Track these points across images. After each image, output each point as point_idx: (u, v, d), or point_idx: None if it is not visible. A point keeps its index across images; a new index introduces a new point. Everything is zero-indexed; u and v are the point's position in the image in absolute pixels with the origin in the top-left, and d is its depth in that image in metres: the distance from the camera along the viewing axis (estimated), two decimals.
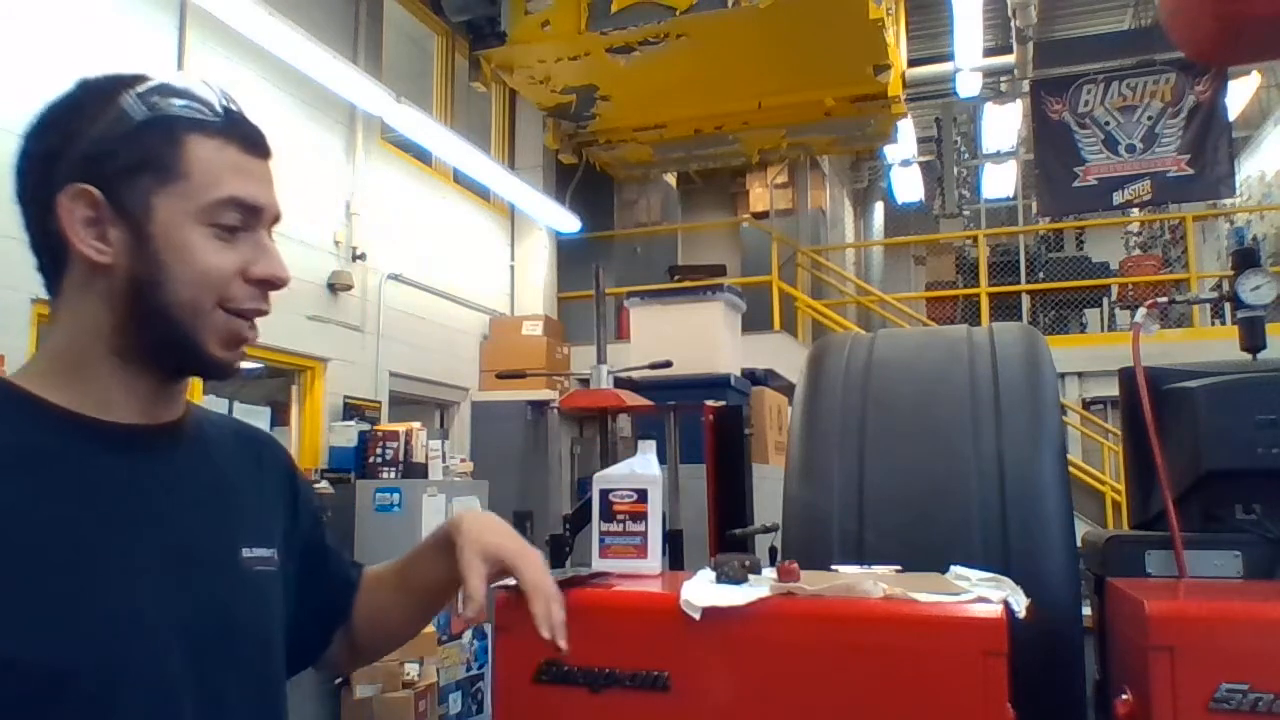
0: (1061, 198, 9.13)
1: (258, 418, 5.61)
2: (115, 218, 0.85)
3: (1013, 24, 8.05)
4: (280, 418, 5.76)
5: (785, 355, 7.38)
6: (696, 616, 1.66)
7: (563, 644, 1.00)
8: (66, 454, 0.84)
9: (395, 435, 5.37)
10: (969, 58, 8.64)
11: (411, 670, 4.63)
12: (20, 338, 4.02)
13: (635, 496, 2.21)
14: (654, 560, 1.79)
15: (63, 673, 0.77)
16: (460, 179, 7.53)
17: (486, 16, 6.59)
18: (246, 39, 5.04)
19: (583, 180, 8.93)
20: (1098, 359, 7.85)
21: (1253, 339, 2.64)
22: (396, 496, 5.07)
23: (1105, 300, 10.42)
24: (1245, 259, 2.71)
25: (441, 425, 7.51)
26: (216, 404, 5.22)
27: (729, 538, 3.20)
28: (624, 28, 6.38)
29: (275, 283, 0.91)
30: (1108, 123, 8.81)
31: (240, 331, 0.90)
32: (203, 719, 0.85)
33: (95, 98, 0.87)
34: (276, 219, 0.95)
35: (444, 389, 7.32)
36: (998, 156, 12.22)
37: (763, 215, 11.10)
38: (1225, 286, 3.12)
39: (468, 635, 5.22)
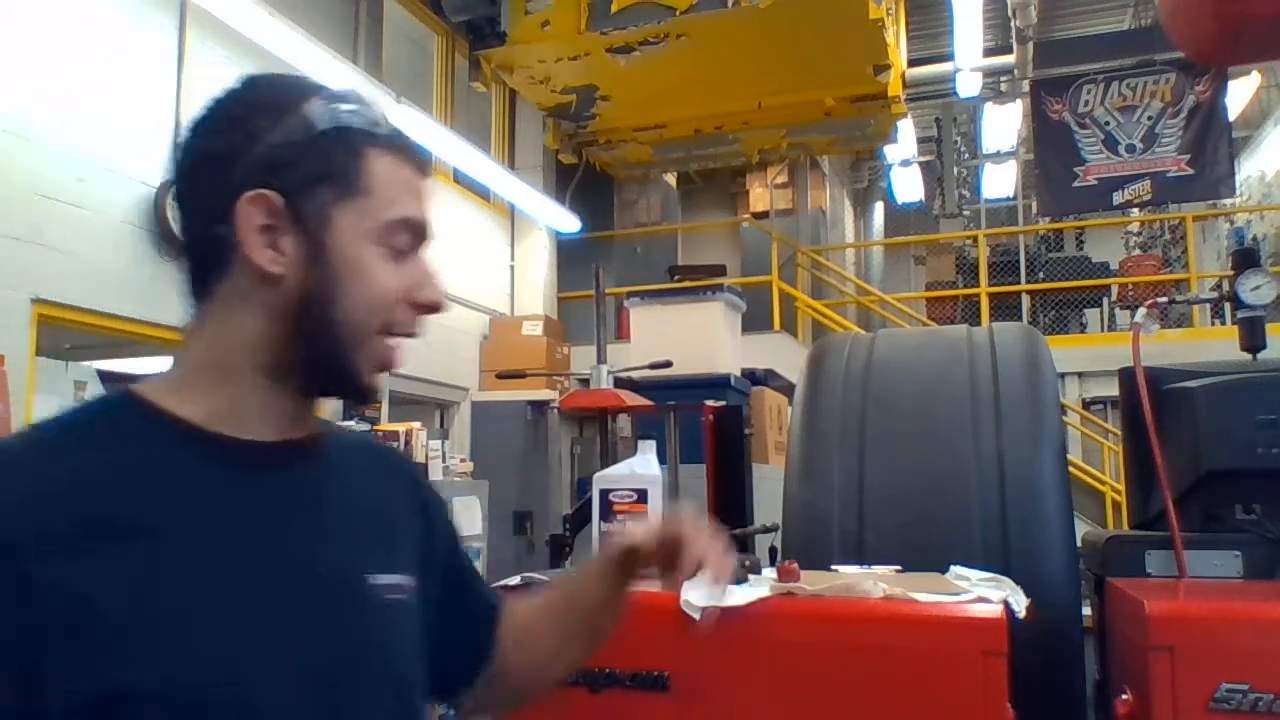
0: (1061, 198, 9.13)
1: None
2: (292, 228, 0.82)
3: (1013, 24, 8.05)
4: None
5: (785, 355, 7.38)
6: (697, 616, 1.66)
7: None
8: (189, 471, 0.80)
9: (395, 435, 5.37)
10: (969, 58, 8.63)
11: None
12: (20, 338, 4.02)
13: (635, 496, 2.21)
14: None
15: (183, 701, 0.73)
16: (460, 179, 7.53)
17: (486, 16, 6.59)
18: (246, 39, 5.04)
19: (583, 180, 8.93)
20: (1098, 359, 7.84)
21: (1253, 339, 2.64)
22: None
23: (1105, 300, 10.42)
24: (1245, 259, 2.71)
25: (441, 425, 7.51)
26: None
27: (729, 538, 3.19)
28: (624, 28, 6.38)
29: (437, 309, 0.88)
30: (1108, 123, 8.81)
31: (391, 357, 0.87)
32: None
33: (276, 99, 0.85)
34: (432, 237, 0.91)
35: (444, 389, 7.32)
36: (998, 156, 12.22)
37: (763, 215, 11.10)
38: (1225, 286, 3.12)
39: None
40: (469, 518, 5.11)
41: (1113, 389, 5.79)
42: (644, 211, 10.45)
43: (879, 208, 14.02)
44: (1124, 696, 1.76)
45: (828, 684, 1.59)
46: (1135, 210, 10.21)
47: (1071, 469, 2.89)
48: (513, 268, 8.52)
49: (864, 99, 7.57)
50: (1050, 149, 9.01)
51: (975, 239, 10.45)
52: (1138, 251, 11.78)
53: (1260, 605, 1.73)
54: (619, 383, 3.72)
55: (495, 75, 7.17)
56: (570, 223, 8.44)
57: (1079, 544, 2.43)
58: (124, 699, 0.71)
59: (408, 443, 5.37)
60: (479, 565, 4.50)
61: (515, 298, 8.48)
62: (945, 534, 2.19)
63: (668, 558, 1.01)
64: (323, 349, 0.83)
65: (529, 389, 6.96)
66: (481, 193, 7.91)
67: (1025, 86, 9.00)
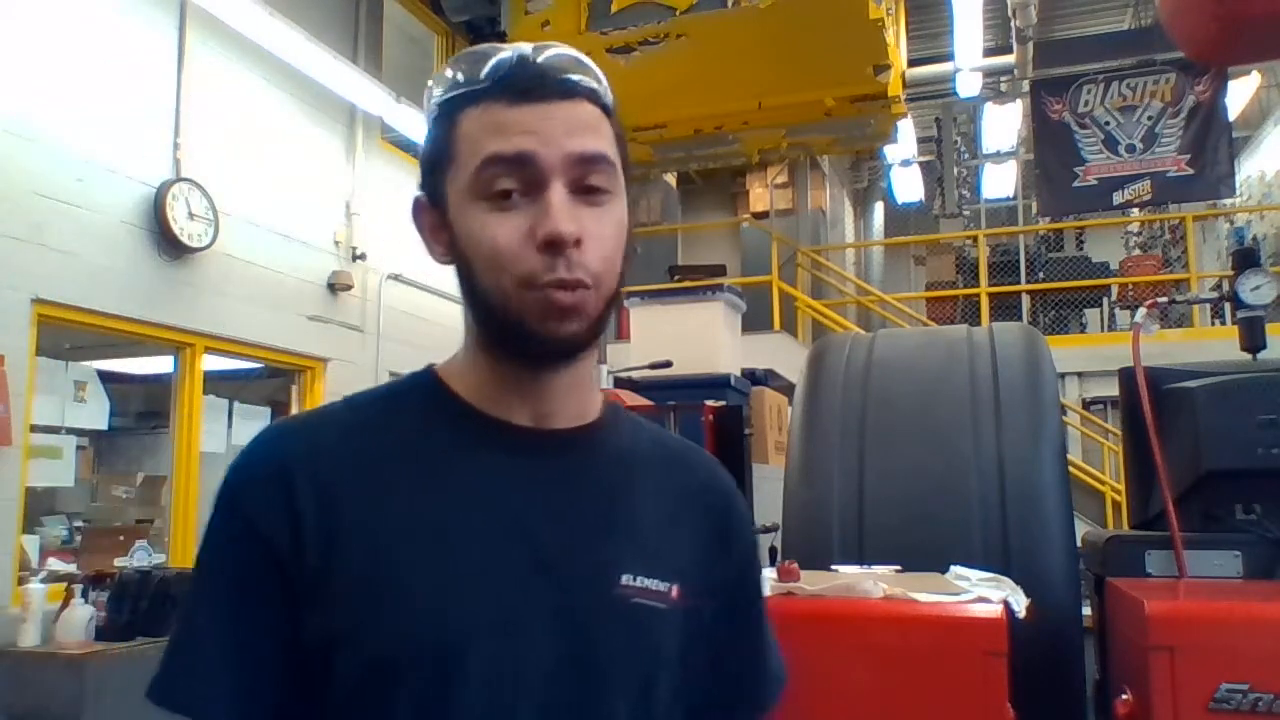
0: (1061, 198, 9.13)
1: (258, 418, 5.62)
2: (442, 220, 0.85)
3: (1013, 24, 8.04)
4: (280, 418, 5.77)
5: (785, 355, 7.38)
6: None
7: None
8: (451, 446, 0.84)
9: None
10: (969, 58, 8.63)
11: None
12: (20, 337, 4.02)
13: None
14: None
15: (401, 662, 0.76)
16: None
17: (486, 16, 6.60)
18: (246, 39, 5.04)
19: None
20: (1098, 359, 7.84)
21: (1253, 339, 2.64)
22: None
23: (1105, 300, 10.41)
24: (1245, 259, 2.71)
25: None
26: (216, 404, 5.23)
27: None
28: (624, 28, 6.38)
29: (553, 241, 0.78)
30: (1108, 123, 8.80)
31: (549, 299, 0.79)
32: None
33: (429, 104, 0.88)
34: (574, 163, 0.80)
35: None
36: (998, 156, 12.21)
37: (763, 215, 11.10)
38: (1225, 286, 3.12)
39: None
40: None
41: (1113, 389, 5.79)
42: (644, 211, 10.44)
43: (879, 208, 14.01)
44: (1124, 696, 1.76)
45: (828, 684, 1.59)
46: (1135, 210, 10.21)
47: (1071, 469, 2.89)
48: None
49: (864, 99, 7.56)
50: (1050, 149, 9.00)
51: (975, 239, 10.45)
52: (1138, 251, 11.78)
53: (1260, 605, 1.73)
54: (619, 383, 3.73)
55: None
56: None
57: (1079, 544, 2.43)
58: (335, 646, 0.76)
59: None
60: None
61: None
62: (945, 534, 2.20)
63: None
64: (485, 318, 0.84)
65: None
66: None
67: (1025, 86, 9.00)
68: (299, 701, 0.78)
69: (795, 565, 1.84)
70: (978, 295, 9.49)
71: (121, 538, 4.85)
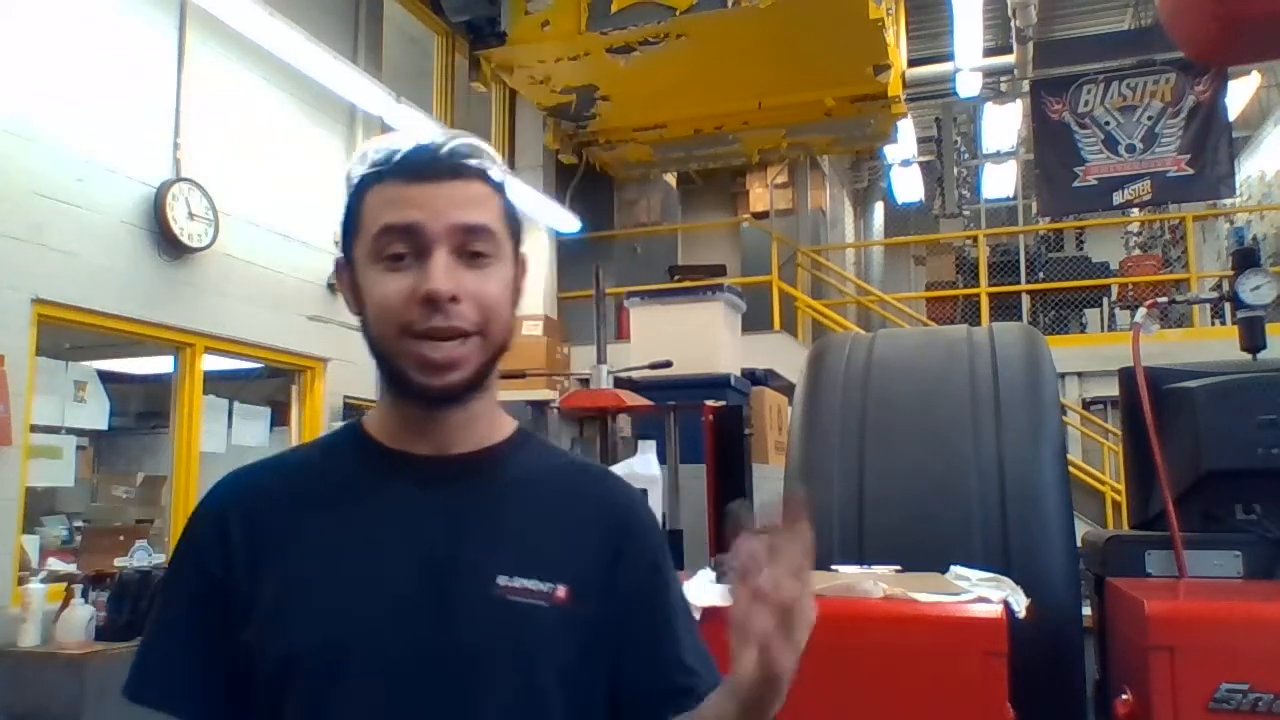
0: (1061, 198, 9.13)
1: (258, 418, 5.62)
2: (353, 279, 0.98)
3: (1013, 24, 8.05)
4: (280, 418, 5.76)
5: (785, 355, 7.38)
6: (697, 617, 1.66)
7: None
8: (366, 479, 0.98)
9: None
10: (969, 58, 8.63)
11: None
12: (20, 338, 4.02)
13: None
14: None
15: (296, 660, 0.89)
16: None
17: (486, 16, 6.59)
18: (246, 39, 5.03)
19: (583, 180, 8.93)
20: (1098, 359, 7.84)
21: (1253, 339, 2.64)
22: None
23: (1105, 300, 10.41)
24: (1245, 259, 2.71)
25: None
26: (216, 404, 5.23)
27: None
28: (624, 28, 6.38)
29: (429, 298, 0.91)
30: (1108, 123, 8.80)
31: (424, 354, 0.92)
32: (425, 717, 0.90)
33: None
34: (457, 232, 0.93)
35: None
36: (998, 156, 12.22)
37: (763, 215, 11.09)
38: (1225, 286, 3.12)
39: None
40: None
41: (1113, 389, 5.79)
42: (644, 211, 10.44)
43: (879, 208, 14.01)
44: (1124, 696, 1.76)
45: (828, 684, 1.59)
46: (1135, 210, 10.21)
47: (1071, 469, 2.89)
48: None
49: (864, 99, 7.57)
50: (1050, 149, 9.00)
51: (975, 239, 10.45)
52: (1138, 251, 11.78)
53: (1260, 605, 1.73)
54: (619, 383, 3.72)
55: (495, 75, 7.16)
56: (570, 223, 8.44)
57: (1079, 544, 2.43)
58: (258, 653, 0.90)
59: None
60: None
61: None
62: (945, 534, 2.19)
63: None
64: (380, 364, 0.96)
65: (529, 389, 6.95)
66: None
67: (1025, 86, 9.00)
68: (243, 699, 0.92)
69: None
70: (978, 295, 9.49)
71: (121, 538, 4.85)
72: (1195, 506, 2.27)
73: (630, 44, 6.57)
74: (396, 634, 0.90)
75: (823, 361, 2.70)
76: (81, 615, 3.73)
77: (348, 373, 5.84)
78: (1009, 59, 8.64)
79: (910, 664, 1.55)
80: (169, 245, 4.70)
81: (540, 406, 6.97)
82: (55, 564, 4.56)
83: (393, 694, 0.89)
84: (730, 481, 3.80)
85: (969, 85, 9.03)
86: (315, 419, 5.73)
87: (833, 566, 2.04)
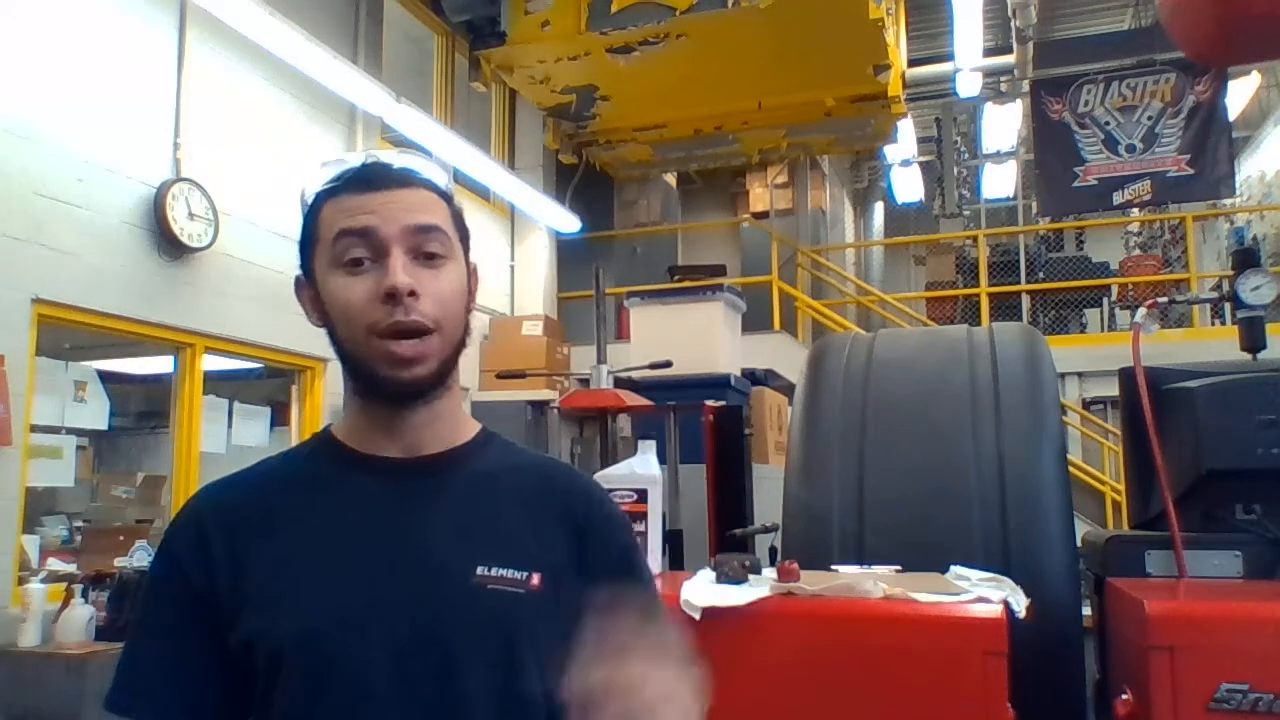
0: (1061, 198, 9.13)
1: (258, 418, 5.62)
2: (315, 292, 1.03)
3: (1013, 24, 8.04)
4: (280, 418, 5.77)
5: (785, 355, 7.38)
6: (696, 616, 1.66)
7: None
8: (338, 482, 1.02)
9: None
10: (969, 58, 8.63)
11: None
12: (20, 338, 4.02)
13: (635, 496, 2.21)
14: (654, 560, 1.78)
15: (281, 653, 0.93)
16: (460, 179, 7.52)
17: (486, 16, 6.59)
18: (246, 39, 5.04)
19: (583, 180, 8.92)
20: (1098, 359, 7.84)
21: (1253, 339, 2.65)
22: None
23: (1105, 300, 10.41)
24: (1245, 259, 2.71)
25: None
26: (216, 404, 5.23)
27: (729, 538, 3.20)
28: (624, 28, 6.37)
29: (391, 293, 0.96)
30: (1108, 123, 8.80)
31: (390, 350, 0.96)
32: (411, 715, 0.93)
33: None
34: (411, 233, 0.99)
35: None
36: (998, 156, 12.22)
37: (763, 215, 11.09)
38: (1225, 286, 3.12)
39: None
40: None
41: (1113, 389, 5.79)
42: (644, 211, 10.44)
43: (879, 208, 14.01)
44: (1124, 696, 1.76)
45: (827, 684, 1.60)
46: (1135, 210, 10.21)
47: (1071, 469, 2.89)
48: (513, 268, 8.52)
49: (864, 99, 7.57)
50: (1050, 149, 9.00)
51: (975, 239, 10.45)
52: (1138, 251, 11.78)
53: (1260, 605, 1.73)
54: (619, 383, 3.72)
55: (495, 75, 7.16)
56: (570, 223, 8.43)
57: (1079, 544, 2.43)
58: (248, 651, 0.94)
59: None
60: None
61: (515, 298, 8.48)
62: (945, 534, 2.19)
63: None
64: (350, 367, 1.01)
65: (529, 389, 6.96)
66: (481, 193, 7.91)
67: (1025, 86, 9.00)
68: (239, 702, 0.96)
69: (795, 565, 1.84)
70: (978, 295, 9.49)
71: (121, 538, 4.85)
72: (1195, 506, 2.27)
73: (630, 44, 6.57)
74: (379, 626, 0.94)
75: (823, 361, 2.70)
76: (81, 615, 3.74)
77: None
78: (1009, 59, 8.64)
79: (910, 664, 1.55)
80: (169, 245, 4.70)
81: (540, 407, 6.97)
82: (55, 564, 4.56)
83: (379, 685, 0.93)
84: (730, 481, 3.79)
85: (969, 85, 9.03)
86: (315, 419, 5.74)
87: (833, 566, 2.04)
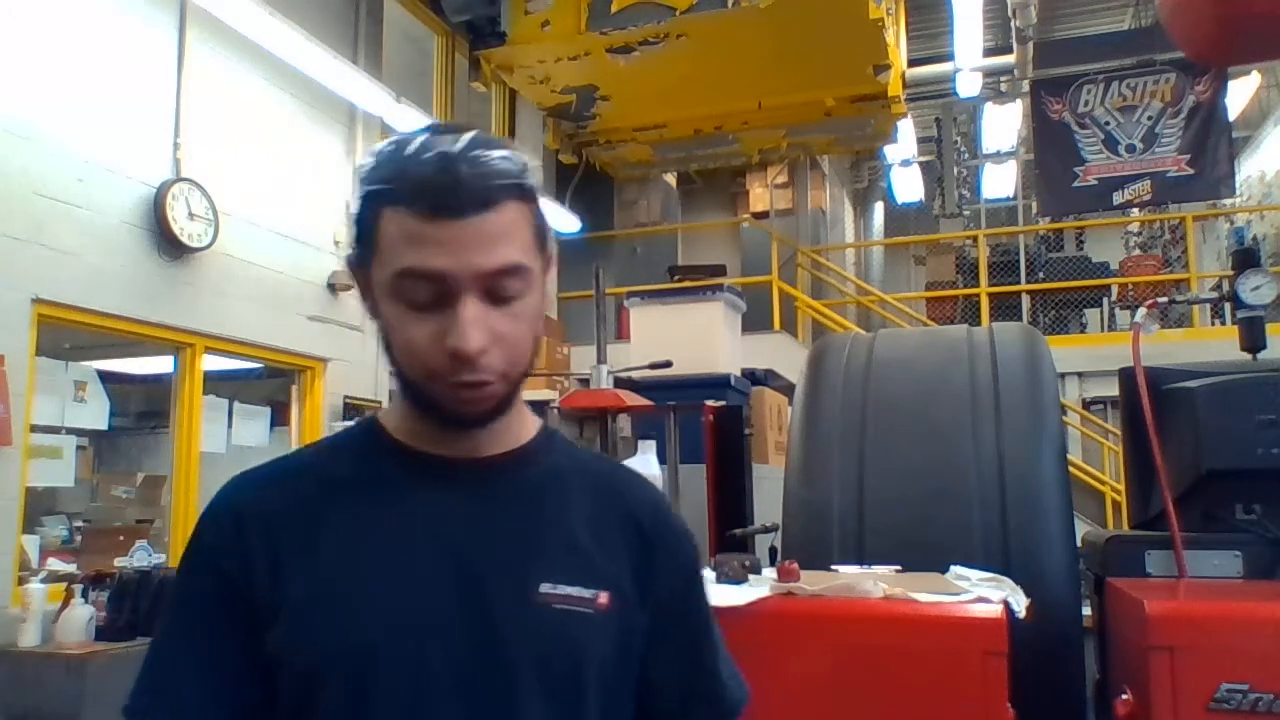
0: (1061, 198, 9.13)
1: (258, 418, 5.62)
2: (369, 286, 0.92)
3: (1013, 24, 8.05)
4: (280, 418, 5.76)
5: (785, 355, 7.38)
6: None
7: None
8: (390, 482, 0.93)
9: None
10: (969, 58, 8.63)
11: None
12: (20, 338, 4.02)
13: None
14: None
15: (323, 668, 0.86)
16: None
17: (486, 16, 6.59)
18: (246, 39, 5.04)
19: (583, 180, 8.93)
20: (1098, 359, 7.84)
21: (1253, 339, 2.64)
22: None
23: (1105, 300, 10.41)
24: (1245, 259, 2.71)
25: None
26: (216, 404, 5.23)
27: (729, 538, 3.20)
28: (624, 28, 6.38)
29: (461, 356, 0.84)
30: (1108, 123, 8.81)
31: (459, 397, 0.88)
32: None
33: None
34: (485, 278, 0.85)
35: None
36: (998, 156, 12.22)
37: (763, 215, 11.10)
38: (1225, 286, 3.12)
39: None
40: None
41: (1113, 389, 5.79)
42: (644, 211, 10.44)
43: (879, 208, 14.01)
44: (1124, 696, 1.76)
45: (827, 684, 1.60)
46: (1135, 210, 10.21)
47: (1071, 469, 2.89)
48: None
49: (864, 99, 7.57)
50: (1050, 149, 9.01)
51: (975, 239, 10.45)
52: (1138, 251, 11.78)
53: (1260, 605, 1.73)
54: (619, 383, 3.72)
55: (495, 75, 7.16)
56: (570, 223, 8.43)
57: (1079, 544, 2.43)
58: (280, 660, 0.87)
59: None
60: None
61: None
62: (945, 534, 2.19)
63: None
64: (405, 389, 0.92)
65: (529, 389, 6.79)
66: None
67: (1025, 86, 9.00)
68: (268, 710, 0.88)
69: (795, 565, 1.84)
70: (978, 295, 9.49)
71: (121, 538, 4.85)
72: (1195, 506, 2.27)
73: (630, 44, 6.57)
74: (433, 642, 0.86)
75: (823, 361, 2.70)
76: (81, 615, 3.73)
77: (348, 373, 5.84)
78: (1009, 59, 8.64)
79: (910, 664, 1.55)
80: (169, 245, 4.70)
81: (540, 406, 6.97)
82: (55, 564, 4.56)
83: (429, 704, 0.86)
84: (730, 481, 3.80)
85: (969, 85, 9.03)
86: (315, 419, 5.73)
87: (833, 566, 2.04)
